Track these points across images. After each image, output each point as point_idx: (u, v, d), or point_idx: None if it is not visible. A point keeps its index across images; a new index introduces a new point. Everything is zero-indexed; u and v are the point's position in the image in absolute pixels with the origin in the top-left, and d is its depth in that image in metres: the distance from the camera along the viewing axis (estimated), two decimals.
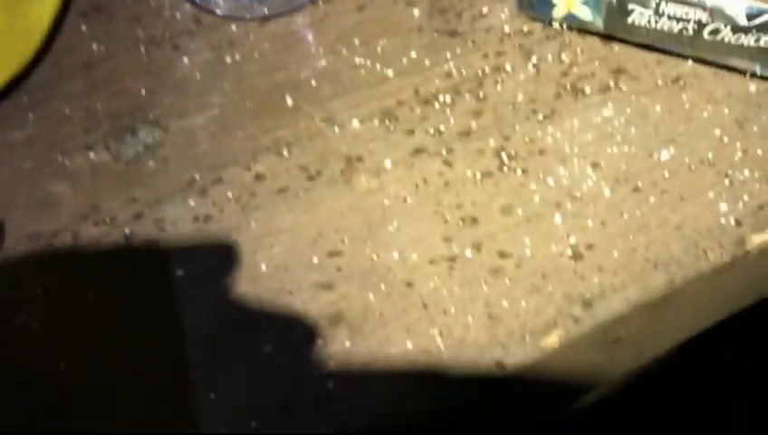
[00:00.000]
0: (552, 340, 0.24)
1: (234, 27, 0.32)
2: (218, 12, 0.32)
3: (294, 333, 0.24)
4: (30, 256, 0.25)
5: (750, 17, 0.29)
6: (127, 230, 0.26)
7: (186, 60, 0.31)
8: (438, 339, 0.24)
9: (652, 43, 0.31)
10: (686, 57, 0.31)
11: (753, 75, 0.30)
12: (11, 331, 0.24)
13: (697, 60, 0.31)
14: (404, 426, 0.23)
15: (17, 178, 0.28)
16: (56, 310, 0.24)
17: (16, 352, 0.24)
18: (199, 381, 0.23)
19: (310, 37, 0.32)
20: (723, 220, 0.27)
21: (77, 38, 0.31)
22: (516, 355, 0.24)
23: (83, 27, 0.32)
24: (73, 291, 0.25)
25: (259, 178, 0.28)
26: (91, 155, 0.28)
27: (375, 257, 0.26)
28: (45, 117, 0.29)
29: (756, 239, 0.26)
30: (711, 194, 0.27)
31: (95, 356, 0.24)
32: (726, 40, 0.29)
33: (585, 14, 0.31)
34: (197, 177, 0.28)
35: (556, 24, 0.32)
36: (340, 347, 0.24)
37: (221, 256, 0.26)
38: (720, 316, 0.31)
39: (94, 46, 0.31)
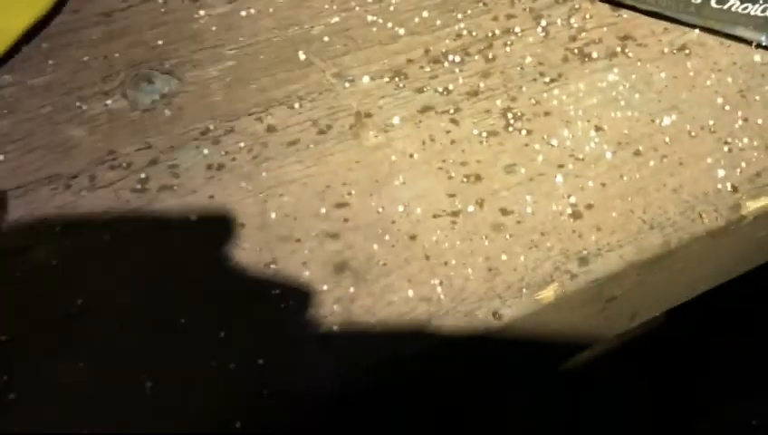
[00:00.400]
0: (549, 294, 0.25)
1: None
2: None
3: (302, 279, 0.25)
4: (49, 195, 0.26)
5: None
6: (142, 175, 0.27)
7: (202, 12, 0.32)
8: (439, 289, 0.25)
9: (660, 11, 0.31)
10: (692, 26, 0.32)
11: (759, 46, 0.31)
12: (32, 267, 0.25)
13: (704, 29, 0.31)
14: (402, 368, 0.24)
15: (36, 122, 0.29)
16: (73, 248, 0.25)
17: (36, 287, 0.25)
18: (213, 321, 0.24)
19: None
20: (720, 186, 0.27)
21: None
22: (513, 307, 0.25)
23: None
24: (90, 231, 0.26)
25: (270, 129, 0.29)
26: (109, 102, 0.29)
27: (380, 210, 0.27)
28: (64, 64, 0.30)
29: (751, 205, 0.27)
30: (709, 160, 0.28)
31: (109, 294, 0.25)
32: (734, 9, 0.30)
33: None
34: (211, 126, 0.28)
35: None
36: (345, 292, 0.25)
37: (232, 204, 0.27)
38: (713, 282, 0.32)
39: None
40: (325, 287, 0.25)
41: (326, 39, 0.31)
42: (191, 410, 0.23)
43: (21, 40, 0.29)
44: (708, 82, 0.30)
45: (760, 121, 0.29)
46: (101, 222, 0.26)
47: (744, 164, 0.28)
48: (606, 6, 0.32)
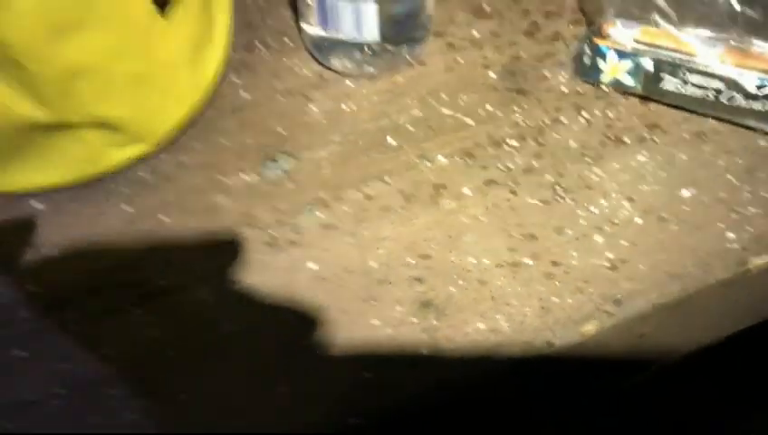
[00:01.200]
0: (590, 328, 0.32)
1: (349, 82, 0.41)
2: (338, 70, 0.41)
3: (395, 313, 0.33)
4: (201, 244, 0.35)
5: (759, 87, 0.37)
6: (272, 232, 0.35)
7: (313, 107, 0.40)
8: (503, 323, 0.32)
9: (680, 105, 0.39)
10: (707, 116, 0.39)
11: (763, 133, 0.38)
12: (193, 302, 0.33)
13: (717, 119, 0.39)
14: (477, 385, 0.31)
15: (188, 192, 0.37)
16: (224, 286, 0.33)
17: (196, 321, 0.33)
18: (328, 343, 0.32)
19: (407, 92, 0.41)
20: (729, 245, 0.34)
21: (231, 87, 0.41)
22: (562, 338, 0.32)
23: (235, 79, 0.41)
24: (236, 273, 0.34)
25: (368, 198, 0.37)
26: (244, 176, 0.38)
27: (456, 261, 0.34)
28: (208, 146, 0.39)
29: (756, 261, 0.34)
30: (721, 225, 0.35)
31: (252, 322, 0.33)
32: (740, 104, 0.37)
33: (627, 80, 0.39)
34: (323, 195, 0.37)
35: (604, 87, 0.40)
36: (430, 325, 0.32)
37: (341, 255, 0.35)
38: (728, 329, 0.39)
39: (243, 94, 0.41)
40: (414, 320, 0.32)
41: (410, 128, 0.39)
42: (313, 413, 0.30)
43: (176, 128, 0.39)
44: (721, 162, 0.37)
45: (764, 194, 0.36)
46: (243, 266, 0.34)
47: (749, 228, 0.35)
48: (636, 100, 0.40)
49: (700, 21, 0.38)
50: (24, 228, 0.36)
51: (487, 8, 0.45)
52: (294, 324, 0.32)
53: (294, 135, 0.39)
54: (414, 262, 0.34)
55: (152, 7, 0.32)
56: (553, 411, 0.37)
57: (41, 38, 0.28)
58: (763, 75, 0.37)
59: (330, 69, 0.42)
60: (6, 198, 0.36)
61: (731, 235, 0.35)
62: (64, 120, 0.32)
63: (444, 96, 0.41)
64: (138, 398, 0.31)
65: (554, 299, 0.33)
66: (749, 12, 0.38)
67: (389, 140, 0.39)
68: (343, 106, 0.40)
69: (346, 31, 0.39)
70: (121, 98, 0.33)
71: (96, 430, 0.30)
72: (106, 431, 0.30)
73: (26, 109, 0.31)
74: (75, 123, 0.33)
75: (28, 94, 0.31)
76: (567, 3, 0.45)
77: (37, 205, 0.37)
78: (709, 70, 0.37)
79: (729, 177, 0.37)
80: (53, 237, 0.35)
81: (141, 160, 0.37)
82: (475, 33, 0.43)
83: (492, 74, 0.42)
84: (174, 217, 0.36)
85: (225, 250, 0.35)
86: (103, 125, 0.34)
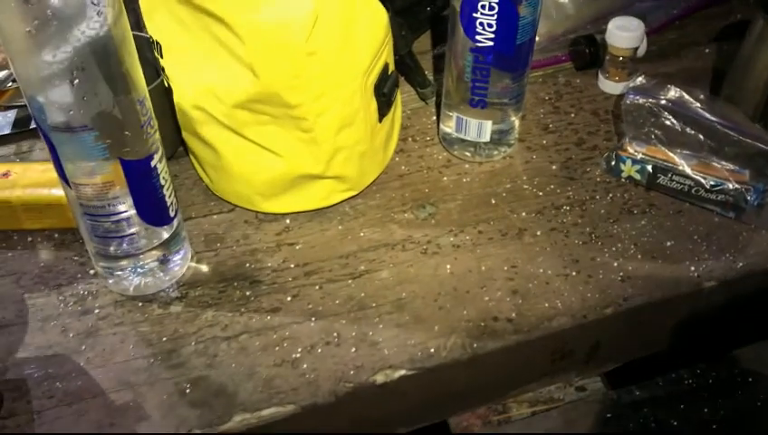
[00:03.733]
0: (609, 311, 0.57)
1: (467, 165, 0.68)
2: (460, 157, 0.68)
3: (485, 303, 0.58)
4: (378, 245, 0.61)
5: (713, 186, 0.62)
6: (424, 247, 0.61)
7: (444, 178, 0.67)
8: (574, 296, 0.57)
9: (669, 193, 0.65)
10: (685, 201, 0.64)
11: (717, 213, 0.63)
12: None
13: (690, 203, 0.64)
14: None
15: (372, 222, 0.63)
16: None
17: None
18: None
19: (502, 174, 0.67)
20: (690, 275, 0.59)
21: (396, 163, 0.68)
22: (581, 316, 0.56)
23: (398, 159, 0.68)
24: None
25: (479, 232, 0.62)
26: (406, 215, 0.64)
27: (533, 270, 0.59)
28: (384, 196, 0.65)
29: (707, 285, 0.58)
30: (687, 262, 0.60)
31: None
32: (703, 195, 0.63)
33: (637, 177, 0.65)
34: (452, 228, 0.62)
35: (623, 180, 0.66)
36: (518, 309, 0.57)
37: (463, 263, 0.60)
38: (692, 336, 0.63)
39: (403, 167, 0.68)
40: (507, 299, 0.57)
41: (504, 195, 0.66)
42: None
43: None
44: (691, 228, 0.62)
45: (713, 248, 0.61)
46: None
47: (702, 265, 0.59)
48: (642, 189, 0.66)
49: (682, 145, 0.65)
50: (278, 234, 0.62)
51: (552, 126, 0.72)
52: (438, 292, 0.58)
53: (434, 193, 0.66)
54: (506, 269, 0.59)
55: (378, 117, 0.59)
56: None
57: (334, 130, 0.55)
58: (717, 180, 0.62)
59: (454, 155, 0.69)
60: (272, 215, 0.63)
61: (692, 268, 0.59)
62: (322, 174, 0.59)
63: (524, 177, 0.67)
64: None
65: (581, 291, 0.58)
66: (710, 142, 0.64)
67: (492, 200, 0.65)
68: (463, 179, 0.67)
69: (472, 135, 0.66)
70: (354, 164, 0.60)
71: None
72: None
73: (308, 166, 0.58)
74: (326, 176, 0.60)
75: (312, 158, 0.58)
76: (602, 126, 0.71)
77: (287, 220, 0.63)
78: (686, 174, 0.63)
79: (695, 237, 0.62)
80: (295, 240, 0.61)
81: (349, 199, 0.64)
82: (544, 141, 0.70)
83: (554, 167, 0.68)
84: (365, 233, 0.62)
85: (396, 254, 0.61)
86: (338, 178, 0.61)
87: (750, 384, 0.55)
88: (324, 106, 0.53)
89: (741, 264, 0.60)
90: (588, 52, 0.76)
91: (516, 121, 0.67)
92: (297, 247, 0.61)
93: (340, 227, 0.63)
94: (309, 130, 0.55)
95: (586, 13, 0.79)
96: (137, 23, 0.58)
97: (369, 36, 0.53)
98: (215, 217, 0.63)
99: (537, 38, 0.77)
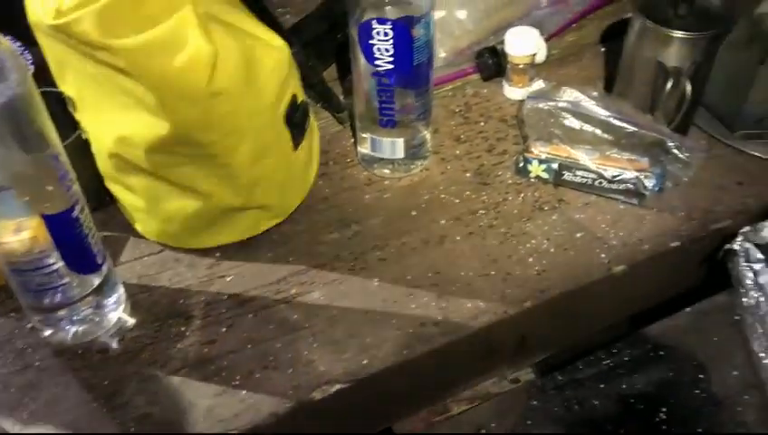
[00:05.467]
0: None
1: (387, 182, 0.71)
2: (380, 175, 0.71)
3: (414, 308, 0.61)
4: (304, 270, 0.63)
5: (614, 176, 0.67)
6: (352, 264, 0.64)
7: (366, 196, 0.70)
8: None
9: (575, 188, 0.69)
10: (591, 194, 0.69)
11: (621, 201, 0.68)
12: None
13: (596, 195, 0.69)
14: None
15: (301, 244, 0.66)
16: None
17: None
18: None
19: (420, 186, 0.71)
20: (600, 260, 0.63)
21: (319, 186, 0.71)
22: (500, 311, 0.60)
23: (320, 182, 0.71)
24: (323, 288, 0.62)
25: (403, 244, 0.66)
26: (332, 235, 0.66)
27: (455, 273, 0.63)
28: (309, 218, 0.68)
29: (616, 269, 0.63)
30: (597, 250, 0.64)
31: None
32: (606, 186, 0.67)
33: (545, 174, 0.70)
34: (378, 243, 0.66)
35: (532, 179, 0.70)
36: (440, 306, 0.60)
37: (389, 275, 0.63)
38: (610, 319, 0.67)
39: (326, 190, 0.71)
40: (433, 303, 0.61)
41: (423, 206, 0.69)
42: None
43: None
44: (599, 218, 0.67)
45: (620, 233, 0.65)
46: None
47: (612, 251, 0.64)
48: (551, 186, 0.70)
49: (583, 142, 0.69)
50: (209, 268, 0.64)
51: (463, 137, 0.76)
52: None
53: (358, 212, 0.69)
54: (430, 276, 0.63)
55: (291, 146, 0.62)
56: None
57: (250, 163, 0.58)
58: (618, 170, 0.67)
59: (374, 174, 0.72)
60: (202, 250, 0.65)
61: (603, 255, 0.64)
62: (244, 205, 0.62)
63: (441, 187, 0.71)
64: None
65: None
66: (608, 136, 0.68)
67: (413, 212, 0.68)
68: (384, 195, 0.70)
69: (387, 153, 0.69)
70: (274, 192, 0.63)
71: None
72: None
73: (229, 199, 0.60)
74: (249, 207, 0.62)
75: (232, 192, 0.60)
76: (510, 132, 0.76)
77: (217, 254, 0.65)
78: (588, 168, 0.68)
79: (603, 226, 0.66)
80: (225, 272, 0.64)
81: (275, 226, 0.66)
82: (457, 151, 0.74)
83: (468, 175, 0.72)
84: (294, 258, 0.65)
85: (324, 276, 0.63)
86: (261, 207, 0.63)
87: (662, 358, 0.59)
88: (236, 141, 0.56)
89: (646, 246, 0.64)
90: (492, 62, 0.80)
91: (428, 135, 0.71)
92: (228, 279, 0.63)
93: (269, 255, 0.65)
94: (225, 166, 0.57)
95: (486, 26, 0.83)
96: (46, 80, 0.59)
97: (271, 72, 0.56)
98: (146, 258, 0.65)
99: (443, 54, 0.82)
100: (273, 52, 0.57)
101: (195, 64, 0.49)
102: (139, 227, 0.65)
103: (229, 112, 0.54)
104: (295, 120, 0.61)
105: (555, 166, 0.69)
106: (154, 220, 0.62)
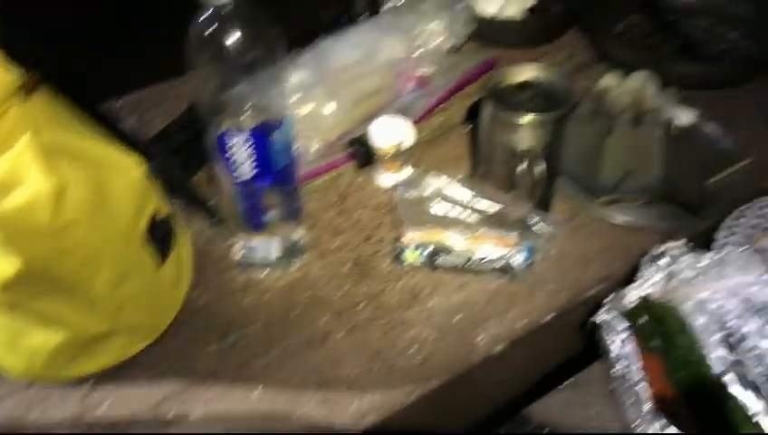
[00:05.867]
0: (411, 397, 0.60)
1: (266, 283, 0.70)
2: (259, 276, 0.71)
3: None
4: (198, 382, 0.61)
5: (482, 259, 0.69)
6: (239, 371, 0.62)
7: (246, 300, 0.69)
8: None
9: (449, 270, 0.70)
10: (465, 274, 0.70)
11: (495, 278, 0.70)
12: None
13: (471, 274, 0.70)
14: None
15: (177, 358, 0.64)
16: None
17: None
18: None
19: (300, 283, 0.70)
20: (477, 341, 0.64)
21: (192, 298, 0.69)
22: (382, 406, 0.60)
23: (193, 292, 0.70)
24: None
25: (282, 347, 0.65)
26: (212, 346, 0.65)
27: (328, 371, 0.62)
28: (185, 333, 0.66)
29: (494, 350, 0.64)
30: (474, 332, 0.65)
31: None
32: (478, 266, 0.69)
33: (420, 260, 0.71)
34: (259, 348, 0.64)
35: (408, 266, 0.71)
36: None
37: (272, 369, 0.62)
38: (496, 400, 0.68)
39: (200, 301, 0.69)
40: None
41: (305, 303, 0.69)
42: None
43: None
44: (476, 299, 0.68)
45: (490, 314, 0.67)
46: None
47: (489, 332, 0.65)
48: (428, 270, 0.71)
49: (453, 224, 0.71)
50: (82, 399, 0.61)
51: (340, 228, 0.76)
52: None
53: (237, 319, 0.67)
54: (315, 379, 0.62)
55: (157, 263, 0.61)
56: None
57: (111, 287, 0.56)
58: (487, 250, 0.69)
59: (252, 277, 0.71)
60: (74, 381, 0.62)
61: (481, 336, 0.65)
62: (112, 330, 0.59)
63: (321, 283, 0.71)
64: None
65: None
66: (475, 217, 0.71)
67: (296, 311, 0.68)
68: (263, 297, 0.69)
69: (262, 255, 0.69)
70: (142, 312, 0.61)
71: None
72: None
73: (94, 327, 0.58)
74: (117, 331, 0.60)
75: (96, 318, 0.58)
76: (384, 219, 0.77)
77: (90, 382, 0.62)
78: (459, 250, 0.70)
79: (478, 306, 0.68)
80: (100, 400, 0.61)
81: (151, 346, 0.64)
82: (335, 244, 0.74)
83: (347, 267, 0.72)
84: (172, 376, 0.62)
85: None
86: (131, 329, 0.61)
87: None
88: (94, 268, 0.54)
89: (520, 324, 0.66)
90: (362, 151, 0.82)
91: (302, 232, 0.71)
92: (102, 409, 0.60)
93: (145, 375, 0.63)
94: (86, 293, 0.55)
95: (355, 115, 0.85)
96: None
97: (124, 193, 0.55)
98: (15, 397, 0.61)
99: (316, 146, 0.83)
100: (125, 172, 0.56)
101: (35, 202, 0.47)
102: (5, 366, 0.61)
103: (82, 241, 0.52)
104: (158, 236, 0.60)
105: (428, 251, 0.70)
106: (18, 358, 0.59)
